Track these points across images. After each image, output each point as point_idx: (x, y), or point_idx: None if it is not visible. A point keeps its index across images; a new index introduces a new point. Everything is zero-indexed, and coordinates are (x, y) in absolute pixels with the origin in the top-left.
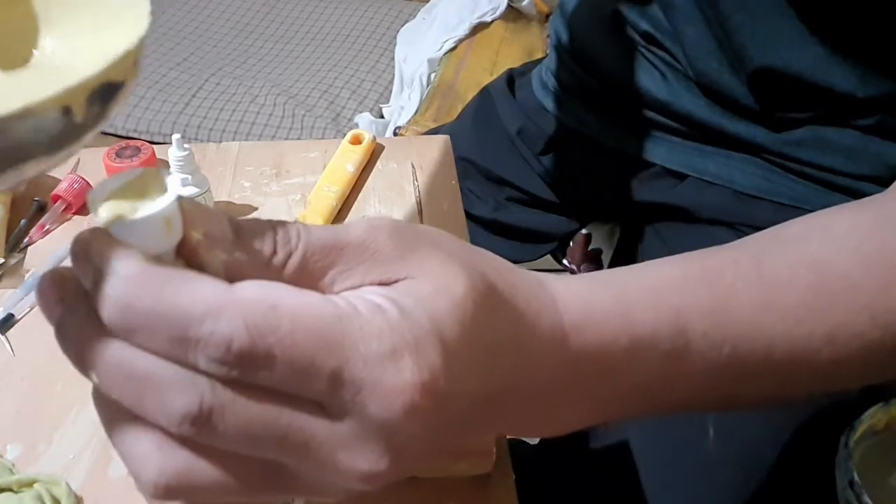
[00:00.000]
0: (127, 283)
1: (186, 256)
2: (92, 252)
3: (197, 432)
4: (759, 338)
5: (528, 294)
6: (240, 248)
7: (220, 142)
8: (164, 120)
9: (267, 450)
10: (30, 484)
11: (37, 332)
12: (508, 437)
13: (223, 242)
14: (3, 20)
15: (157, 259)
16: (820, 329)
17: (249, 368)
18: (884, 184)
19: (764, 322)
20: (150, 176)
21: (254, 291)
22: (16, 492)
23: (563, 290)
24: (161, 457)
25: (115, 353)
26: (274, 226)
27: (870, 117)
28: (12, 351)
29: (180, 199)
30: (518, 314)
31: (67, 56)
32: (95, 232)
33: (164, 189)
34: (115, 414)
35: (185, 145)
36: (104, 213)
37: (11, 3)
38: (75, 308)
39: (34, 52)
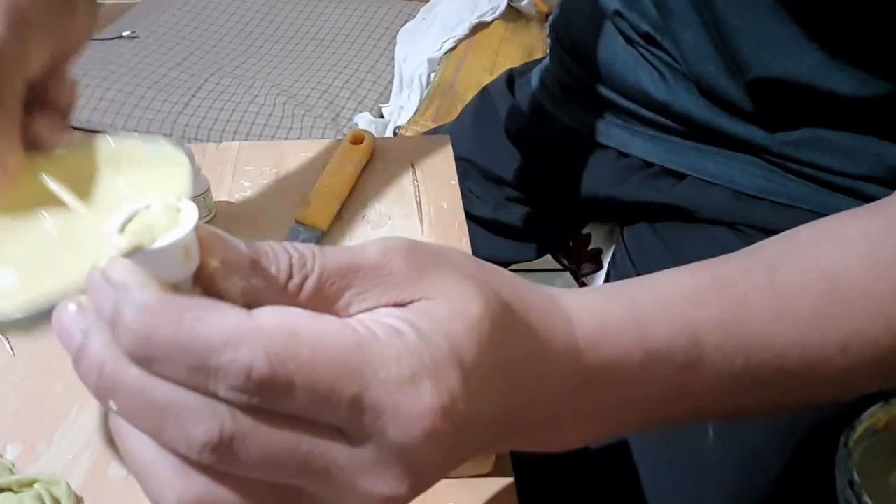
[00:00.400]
0: (146, 312)
1: (204, 284)
2: (110, 282)
3: (218, 460)
4: (771, 347)
5: (542, 311)
6: (256, 274)
7: (220, 142)
8: (164, 120)
9: (288, 476)
10: (30, 484)
11: (37, 332)
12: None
13: (240, 269)
14: (80, 169)
15: (175, 287)
16: (833, 337)
17: (270, 396)
18: (883, 183)
19: (776, 331)
20: (167, 204)
21: (273, 319)
22: (16, 492)
23: (575, 305)
24: (181, 483)
25: (135, 381)
26: (289, 250)
27: (869, 118)
28: (12, 351)
29: (197, 227)
30: (532, 331)
31: (133, 194)
32: (113, 261)
33: (180, 217)
34: (134, 441)
35: (186, 145)
36: (122, 242)
37: (86, 153)
38: (94, 337)
39: (109, 188)
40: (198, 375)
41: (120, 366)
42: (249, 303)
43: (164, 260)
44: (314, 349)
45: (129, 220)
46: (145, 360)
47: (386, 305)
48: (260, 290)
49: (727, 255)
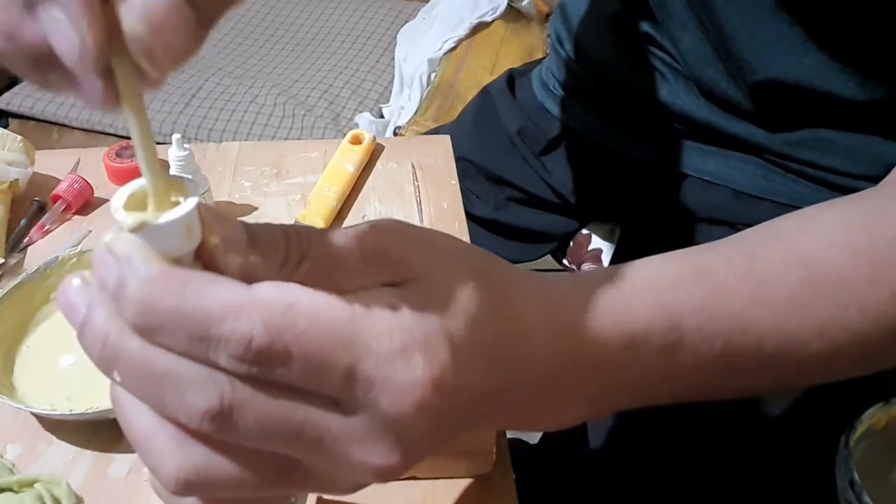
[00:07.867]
0: (149, 283)
1: (204, 260)
2: (115, 255)
3: (217, 428)
4: (749, 332)
5: (528, 294)
6: (254, 252)
7: (220, 142)
8: (164, 120)
9: (283, 445)
10: (30, 484)
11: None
12: (510, 432)
13: (239, 247)
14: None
15: (178, 262)
16: (809, 323)
17: (268, 365)
18: None
19: (754, 317)
20: (171, 182)
21: (271, 291)
22: (16, 492)
23: (561, 291)
24: (180, 452)
25: (137, 351)
26: (287, 231)
27: (870, 118)
28: None
29: (199, 205)
30: (518, 313)
31: None
32: (118, 235)
33: (184, 195)
34: (134, 411)
35: (185, 145)
36: (127, 218)
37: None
38: (97, 310)
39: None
40: (198, 345)
41: (123, 337)
42: (248, 280)
43: (168, 235)
44: (310, 321)
45: (134, 196)
46: (147, 331)
47: (380, 284)
48: (258, 268)
49: (710, 244)
